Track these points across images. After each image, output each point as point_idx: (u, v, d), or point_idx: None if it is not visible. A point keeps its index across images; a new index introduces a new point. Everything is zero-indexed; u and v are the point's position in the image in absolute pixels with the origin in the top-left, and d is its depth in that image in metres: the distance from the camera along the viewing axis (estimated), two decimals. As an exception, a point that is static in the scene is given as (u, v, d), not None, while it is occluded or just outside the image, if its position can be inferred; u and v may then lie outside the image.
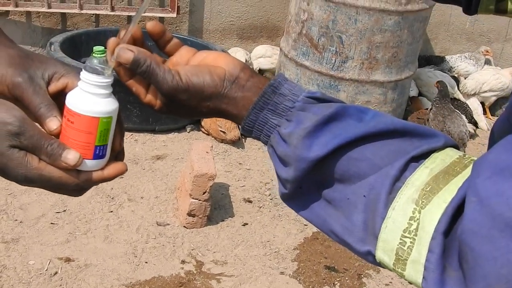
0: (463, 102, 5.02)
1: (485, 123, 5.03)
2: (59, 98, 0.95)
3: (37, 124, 0.91)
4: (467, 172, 0.78)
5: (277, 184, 0.94)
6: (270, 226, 3.43)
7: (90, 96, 0.91)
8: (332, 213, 0.87)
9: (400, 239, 0.78)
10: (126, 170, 0.98)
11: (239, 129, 4.14)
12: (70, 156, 0.90)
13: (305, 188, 0.89)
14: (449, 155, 0.82)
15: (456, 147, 0.85)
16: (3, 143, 0.87)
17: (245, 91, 0.94)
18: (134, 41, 0.98)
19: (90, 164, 0.93)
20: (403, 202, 0.78)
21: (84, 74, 0.91)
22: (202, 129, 4.27)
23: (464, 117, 4.60)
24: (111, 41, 0.95)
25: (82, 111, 0.90)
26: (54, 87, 0.96)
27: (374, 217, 0.80)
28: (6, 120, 0.87)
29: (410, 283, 0.79)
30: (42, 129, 0.91)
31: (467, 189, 0.74)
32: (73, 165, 0.90)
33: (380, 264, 0.83)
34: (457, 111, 4.50)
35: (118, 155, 1.00)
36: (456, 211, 0.75)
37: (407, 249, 0.78)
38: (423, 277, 0.76)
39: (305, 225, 3.46)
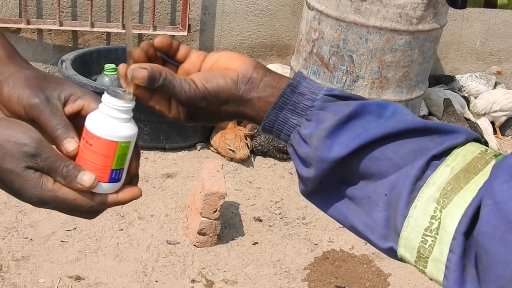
0: (473, 122, 5.01)
1: (496, 143, 5.01)
2: (75, 120, 0.95)
3: (53, 146, 0.92)
4: (488, 169, 0.79)
5: (298, 183, 0.95)
6: (281, 245, 3.42)
7: (111, 120, 0.91)
8: (354, 209, 0.88)
9: (422, 237, 0.79)
10: (141, 195, 0.99)
11: (247, 148, 4.13)
12: (86, 178, 0.90)
13: (325, 184, 0.90)
14: (470, 151, 0.82)
15: (479, 140, 0.85)
16: (19, 164, 0.87)
17: (260, 91, 0.94)
18: (148, 58, 0.98)
19: (105, 187, 0.93)
20: (424, 201, 0.80)
21: (106, 97, 0.91)
22: (212, 148, 4.27)
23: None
24: (121, 66, 0.95)
25: (101, 134, 0.90)
26: (70, 108, 0.96)
27: (396, 216, 0.82)
28: (23, 141, 0.87)
29: (431, 279, 0.81)
30: (58, 151, 0.91)
31: (484, 191, 0.75)
32: (88, 186, 0.90)
33: (402, 260, 0.84)
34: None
35: (132, 178, 1.00)
36: (476, 212, 0.75)
37: (428, 248, 0.79)
38: (444, 276, 0.78)
39: (316, 244, 3.45)
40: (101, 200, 0.93)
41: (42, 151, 0.88)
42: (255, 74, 0.95)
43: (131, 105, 0.92)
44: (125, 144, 0.92)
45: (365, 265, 3.35)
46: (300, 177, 0.92)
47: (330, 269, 3.29)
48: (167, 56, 1.02)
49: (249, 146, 4.15)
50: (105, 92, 0.92)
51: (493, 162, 0.80)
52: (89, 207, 0.93)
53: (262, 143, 4.20)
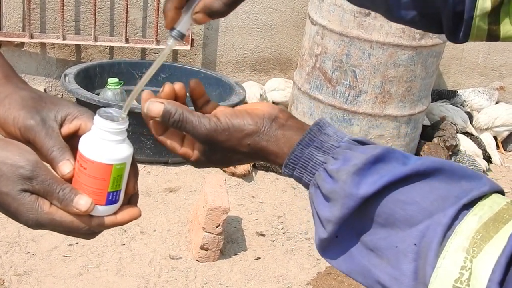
0: (476, 136, 5.01)
1: (499, 158, 5.00)
2: (72, 140, 0.94)
3: (50, 167, 0.90)
4: None
5: (314, 232, 0.90)
6: (283, 260, 3.41)
7: (104, 143, 0.90)
8: (377, 262, 0.84)
9: None
10: (140, 215, 0.97)
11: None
12: (82, 202, 0.89)
13: (343, 236, 0.86)
14: (496, 202, 0.79)
15: (502, 192, 0.83)
16: (15, 187, 0.86)
17: (286, 129, 0.93)
18: (176, 98, 0.97)
19: (102, 209, 0.92)
20: (453, 251, 0.76)
21: (97, 119, 0.90)
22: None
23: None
24: (145, 93, 0.96)
25: (95, 157, 0.89)
26: (67, 129, 0.94)
27: (425, 266, 0.77)
28: (19, 163, 0.86)
29: None
30: (55, 174, 0.90)
31: None
32: (84, 211, 0.89)
33: None
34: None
35: (132, 198, 0.99)
36: (509, 260, 0.73)
37: None
38: None
39: (318, 259, 3.44)
40: (98, 222, 0.92)
41: (38, 174, 0.87)
42: (281, 115, 0.95)
43: (124, 126, 0.91)
44: (120, 166, 0.91)
45: (368, 281, 3.33)
46: (321, 220, 0.88)
47: (333, 284, 3.28)
48: (194, 105, 1.01)
49: (250, 161, 4.14)
50: (96, 114, 0.90)
51: None
52: (86, 229, 0.92)
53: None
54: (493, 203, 0.79)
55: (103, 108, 0.92)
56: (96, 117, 0.90)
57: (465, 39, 1.05)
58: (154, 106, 0.93)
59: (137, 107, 4.23)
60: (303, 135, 0.91)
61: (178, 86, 0.98)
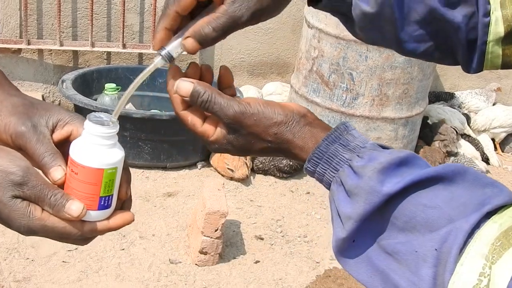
0: (474, 138, 5.01)
1: (497, 159, 5.01)
2: (64, 146, 0.93)
3: (41, 173, 0.90)
4: None
5: (332, 233, 0.89)
6: (282, 264, 3.41)
7: (94, 147, 0.89)
8: (395, 266, 0.82)
9: None
10: (133, 220, 0.97)
11: (247, 167, 4.12)
12: (74, 207, 0.88)
13: (360, 240, 0.86)
14: None
15: None
16: (6, 193, 0.86)
17: (313, 127, 0.93)
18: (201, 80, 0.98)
19: (94, 215, 0.91)
20: (472, 257, 0.75)
21: (88, 124, 0.89)
22: (212, 167, 4.26)
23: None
24: (173, 69, 0.97)
25: (86, 162, 0.88)
26: (58, 135, 0.94)
27: (444, 273, 0.76)
28: (9, 169, 0.86)
29: None
30: (46, 179, 0.90)
31: None
32: (76, 216, 0.88)
33: None
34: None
35: (125, 203, 0.98)
36: None
37: None
38: None
39: (317, 262, 3.44)
40: (91, 228, 0.92)
41: (29, 180, 0.86)
42: (309, 114, 0.95)
43: (114, 130, 0.90)
44: (111, 170, 0.90)
45: (367, 283, 3.34)
46: (341, 218, 0.87)
47: (332, 287, 3.28)
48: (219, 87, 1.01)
49: (248, 165, 4.14)
50: (86, 119, 0.90)
51: None
52: (79, 235, 0.91)
53: (264, 160, 4.20)
54: None
55: (93, 112, 0.92)
56: (86, 122, 0.90)
57: (479, 68, 1.04)
58: (184, 85, 0.93)
59: (135, 112, 4.24)
60: (330, 132, 0.91)
61: (205, 67, 0.98)
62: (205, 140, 0.97)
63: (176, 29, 0.98)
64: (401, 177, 0.83)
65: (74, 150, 0.90)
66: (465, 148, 4.86)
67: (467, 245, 0.76)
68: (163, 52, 0.97)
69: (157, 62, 0.97)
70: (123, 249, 3.33)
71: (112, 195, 0.92)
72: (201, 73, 0.99)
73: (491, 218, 0.77)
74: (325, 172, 0.91)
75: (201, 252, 3.22)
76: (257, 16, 1.00)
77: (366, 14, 1.04)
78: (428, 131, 4.81)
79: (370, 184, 0.83)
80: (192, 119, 0.96)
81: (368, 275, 0.86)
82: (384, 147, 0.90)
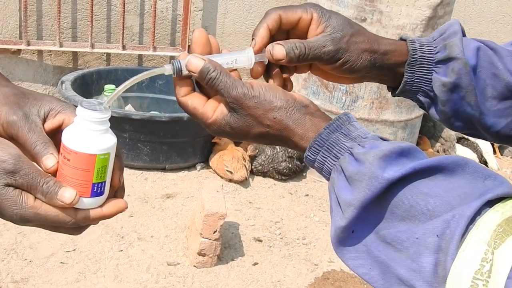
0: (473, 141, 5.01)
1: (495, 162, 5.01)
2: (56, 135, 0.93)
3: (33, 162, 0.90)
4: None
5: (331, 223, 0.89)
6: (281, 266, 3.41)
7: (86, 133, 0.89)
8: (395, 256, 0.82)
9: (472, 281, 0.74)
10: (126, 207, 0.96)
11: (245, 169, 4.12)
12: (67, 194, 0.88)
13: (359, 231, 0.86)
14: None
15: None
16: None
17: (315, 116, 0.94)
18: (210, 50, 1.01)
19: (88, 202, 0.91)
20: (473, 243, 0.75)
21: (79, 110, 0.89)
22: (211, 169, 4.26)
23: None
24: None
25: (78, 148, 0.88)
26: (50, 124, 0.94)
27: (446, 259, 0.76)
28: (1, 157, 0.85)
29: None
30: (38, 167, 0.89)
31: None
32: (69, 203, 0.88)
33: None
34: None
35: (118, 191, 0.98)
36: None
37: None
38: None
39: (316, 265, 3.44)
40: (84, 215, 0.91)
41: (21, 168, 0.86)
42: (312, 105, 0.96)
43: (106, 115, 0.90)
44: (103, 156, 0.90)
45: (365, 285, 3.34)
46: (340, 205, 0.87)
47: (330, 289, 3.28)
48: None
49: (247, 167, 4.14)
50: (79, 105, 0.90)
51: None
52: (72, 223, 0.91)
53: (263, 162, 4.20)
54: None
55: (85, 99, 0.92)
56: (79, 107, 0.90)
57: None
58: (195, 61, 0.95)
59: (134, 114, 4.23)
60: (331, 121, 0.92)
61: (212, 39, 1.01)
62: (205, 122, 0.97)
63: (275, 33, 1.03)
64: (402, 165, 0.83)
65: (66, 136, 0.90)
66: (463, 151, 4.86)
67: (468, 231, 0.76)
68: (176, 64, 0.97)
69: (164, 69, 0.98)
70: (121, 251, 3.32)
71: (105, 181, 0.92)
72: (210, 44, 1.01)
73: (493, 207, 0.78)
74: (325, 160, 0.91)
75: (199, 253, 3.22)
76: (335, 58, 1.04)
77: (445, 84, 1.06)
78: (431, 126, 4.83)
79: (371, 170, 0.83)
80: (192, 102, 0.97)
81: (367, 267, 0.86)
82: (385, 140, 0.90)
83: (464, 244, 0.76)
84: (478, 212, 0.77)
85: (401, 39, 1.12)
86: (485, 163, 4.96)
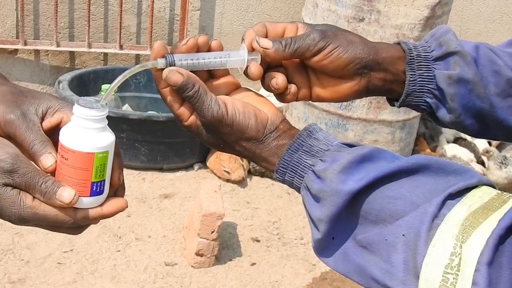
0: (470, 141, 5.01)
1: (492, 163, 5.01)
2: (54, 134, 0.92)
3: (31, 161, 0.89)
4: (507, 206, 0.77)
5: (310, 232, 0.92)
6: (279, 266, 3.40)
7: (84, 131, 0.88)
8: (370, 258, 0.85)
9: (443, 275, 0.76)
10: (127, 206, 0.95)
11: (243, 169, 4.11)
12: (66, 194, 0.87)
13: (338, 238, 0.88)
14: (486, 193, 0.81)
15: (492, 186, 0.84)
16: None
17: (280, 140, 0.95)
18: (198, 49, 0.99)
19: (87, 201, 0.90)
20: (442, 238, 0.77)
21: (76, 108, 0.88)
22: (209, 169, 4.25)
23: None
24: (159, 44, 0.97)
25: (75, 147, 0.87)
26: (48, 122, 0.93)
27: (415, 256, 0.78)
28: None
29: None
30: (37, 167, 0.88)
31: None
32: (68, 203, 0.87)
33: None
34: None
35: (118, 190, 0.97)
36: (498, 242, 0.73)
37: (450, 286, 0.75)
38: None
39: (314, 265, 3.43)
40: (84, 215, 0.90)
41: (19, 167, 0.85)
42: (282, 126, 0.97)
43: (104, 113, 0.89)
44: (102, 154, 0.89)
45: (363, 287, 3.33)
46: (313, 221, 0.90)
47: (328, 290, 3.28)
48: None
49: (244, 167, 4.14)
50: (75, 103, 0.89)
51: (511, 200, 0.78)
52: (71, 223, 0.90)
53: (260, 163, 4.19)
54: (483, 194, 0.81)
55: (81, 97, 0.91)
56: (75, 105, 0.89)
57: None
58: (174, 77, 0.94)
59: (132, 114, 4.22)
60: (292, 141, 0.93)
61: (201, 39, 0.99)
62: (180, 122, 0.98)
63: (261, 36, 1.03)
64: (365, 172, 0.85)
65: (63, 135, 0.89)
66: (460, 152, 4.86)
67: (437, 227, 0.78)
68: (169, 58, 0.96)
69: (157, 63, 0.97)
70: (118, 251, 3.32)
71: (104, 180, 0.91)
72: (198, 46, 0.99)
73: (460, 201, 0.80)
74: (292, 180, 0.94)
75: (197, 254, 3.22)
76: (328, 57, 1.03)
77: (450, 76, 1.05)
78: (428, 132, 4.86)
79: (331, 187, 0.85)
80: (170, 100, 0.97)
81: (347, 270, 0.89)
82: (351, 146, 0.91)
83: (434, 240, 0.77)
84: (442, 206, 0.79)
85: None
86: (482, 163, 4.95)
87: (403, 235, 0.80)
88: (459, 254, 0.75)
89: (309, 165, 0.91)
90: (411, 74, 1.07)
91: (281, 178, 0.95)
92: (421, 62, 1.07)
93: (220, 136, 0.96)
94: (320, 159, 0.90)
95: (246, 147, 0.96)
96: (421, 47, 1.09)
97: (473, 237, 0.75)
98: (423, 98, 1.09)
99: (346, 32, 1.05)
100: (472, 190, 0.81)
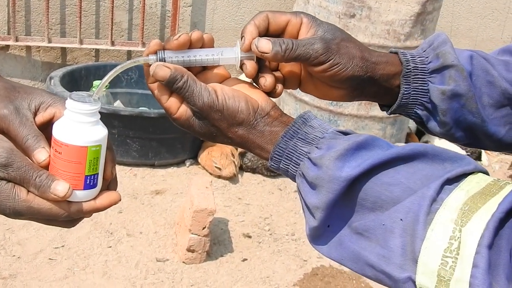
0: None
1: (486, 158, 5.03)
2: (47, 129, 0.93)
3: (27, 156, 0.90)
4: (504, 192, 0.78)
5: (305, 222, 0.92)
6: (270, 262, 3.41)
7: (77, 125, 0.89)
8: (366, 244, 0.85)
9: (442, 259, 0.76)
10: (120, 199, 0.96)
11: (234, 165, 4.12)
12: (59, 188, 0.88)
13: (334, 226, 0.88)
14: (483, 179, 0.82)
15: (487, 173, 0.85)
16: None
17: (273, 126, 0.95)
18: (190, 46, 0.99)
19: (80, 194, 0.91)
20: (441, 222, 0.77)
21: (69, 102, 0.89)
22: (200, 165, 4.26)
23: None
24: (154, 42, 0.97)
25: (69, 141, 0.88)
26: (41, 117, 0.94)
27: (413, 240, 0.79)
28: None
29: None
30: (31, 161, 0.89)
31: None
32: (62, 196, 0.88)
33: None
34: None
35: (111, 184, 0.98)
36: (499, 225, 0.74)
37: (449, 270, 0.76)
38: None
39: (305, 260, 3.44)
40: (78, 208, 0.91)
41: (14, 161, 0.86)
42: (273, 112, 0.97)
43: (96, 107, 0.90)
44: (95, 148, 0.90)
45: (354, 281, 3.34)
46: (309, 209, 0.89)
47: (319, 285, 3.29)
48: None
49: (236, 163, 4.14)
50: (68, 97, 0.90)
51: (508, 186, 0.79)
52: (65, 216, 0.91)
53: (252, 158, 4.20)
54: (480, 179, 0.82)
55: (74, 91, 0.92)
56: (68, 100, 0.90)
57: None
58: (161, 71, 0.94)
59: (123, 110, 4.23)
60: (287, 128, 0.93)
61: (195, 35, 0.98)
62: (169, 115, 0.98)
63: (263, 34, 1.01)
64: (361, 159, 0.85)
65: (57, 130, 0.90)
66: (451, 147, 4.88)
67: (435, 212, 0.79)
68: (160, 54, 0.97)
69: (151, 58, 0.97)
70: (110, 247, 3.32)
71: (97, 174, 0.92)
72: (191, 42, 0.99)
73: (458, 186, 0.81)
74: (287, 167, 0.93)
75: (188, 250, 3.22)
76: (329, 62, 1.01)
77: (444, 92, 1.06)
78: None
79: (328, 173, 0.85)
80: (158, 93, 0.97)
81: (341, 257, 0.89)
82: (345, 133, 0.91)
83: (433, 224, 0.78)
84: (440, 190, 0.80)
85: (391, 52, 1.11)
86: (476, 158, 4.98)
87: (401, 219, 0.81)
88: (458, 238, 0.76)
89: (304, 153, 0.90)
90: (406, 88, 1.07)
91: (276, 165, 0.94)
92: (418, 74, 1.07)
93: (212, 123, 0.95)
94: (316, 147, 0.90)
95: (238, 133, 0.95)
96: (418, 57, 1.08)
97: (472, 221, 0.76)
98: (415, 110, 1.10)
99: (349, 43, 1.03)
100: (469, 176, 0.82)
